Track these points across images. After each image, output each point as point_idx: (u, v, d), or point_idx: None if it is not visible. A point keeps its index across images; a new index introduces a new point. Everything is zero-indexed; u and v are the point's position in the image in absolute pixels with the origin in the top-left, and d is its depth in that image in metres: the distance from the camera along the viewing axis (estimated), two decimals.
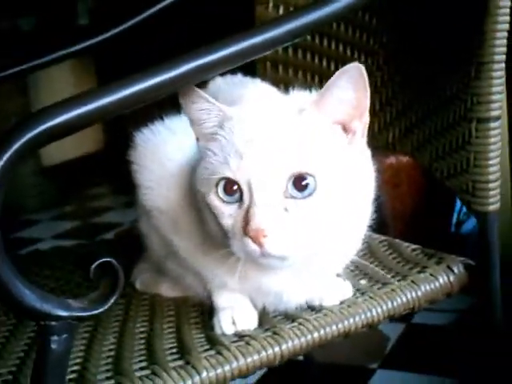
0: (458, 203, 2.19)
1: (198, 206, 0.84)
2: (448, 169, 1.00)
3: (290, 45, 1.27)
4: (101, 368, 0.81)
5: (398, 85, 1.12)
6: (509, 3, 0.89)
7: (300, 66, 1.29)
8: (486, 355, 1.05)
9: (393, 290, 0.93)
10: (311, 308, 0.89)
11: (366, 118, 0.81)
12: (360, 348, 1.88)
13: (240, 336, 0.84)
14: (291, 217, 0.76)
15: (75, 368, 0.81)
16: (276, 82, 1.05)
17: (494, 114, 0.92)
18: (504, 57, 0.91)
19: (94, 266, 0.63)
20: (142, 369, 0.79)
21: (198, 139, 0.84)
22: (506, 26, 0.89)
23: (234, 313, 0.88)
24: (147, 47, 3.00)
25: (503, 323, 0.99)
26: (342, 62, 1.21)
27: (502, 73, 0.92)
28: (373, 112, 1.15)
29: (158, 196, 0.92)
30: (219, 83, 1.00)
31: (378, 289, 0.93)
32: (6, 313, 1.01)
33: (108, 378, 0.78)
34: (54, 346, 0.62)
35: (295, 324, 0.85)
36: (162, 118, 0.97)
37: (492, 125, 0.93)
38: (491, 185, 0.94)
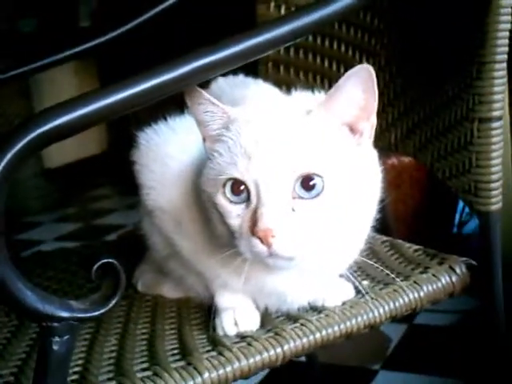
0: (461, 204, 2.19)
1: (202, 207, 0.84)
2: (450, 169, 1.00)
3: (291, 45, 1.27)
4: (102, 369, 0.81)
5: (399, 86, 1.12)
6: (511, 2, 0.89)
7: (302, 67, 1.29)
8: (488, 356, 1.05)
9: (395, 290, 0.92)
10: (313, 309, 0.89)
11: (374, 119, 0.82)
12: (362, 349, 1.88)
13: (242, 337, 0.84)
14: (299, 217, 0.76)
15: (77, 369, 0.81)
16: (278, 83, 1.05)
17: (496, 113, 0.92)
18: (506, 56, 0.90)
19: (95, 267, 0.63)
20: (143, 370, 0.79)
21: (204, 140, 0.84)
22: (508, 26, 0.89)
23: (236, 314, 0.88)
24: (149, 49, 3.01)
25: (505, 324, 0.99)
26: (343, 62, 1.21)
27: (504, 72, 0.91)
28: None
29: (161, 196, 0.92)
30: (221, 84, 1.00)
31: (380, 289, 0.93)
32: (8, 314, 1.01)
33: (110, 379, 0.78)
34: (55, 347, 0.62)
35: (297, 325, 0.85)
36: (165, 119, 0.97)
37: (494, 125, 0.93)
38: (493, 185, 0.94)
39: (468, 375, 1.66)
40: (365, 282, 0.96)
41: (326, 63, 1.25)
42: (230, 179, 0.78)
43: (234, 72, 0.97)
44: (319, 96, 0.86)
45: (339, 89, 0.78)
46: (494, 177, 0.94)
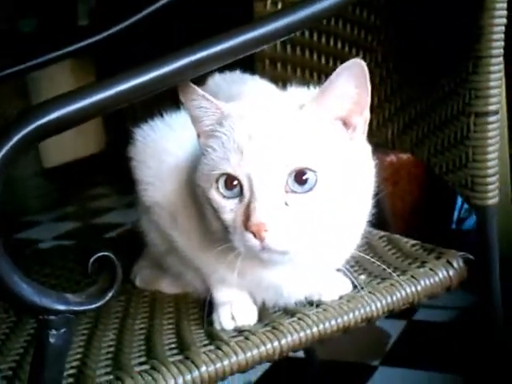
0: (459, 200, 2.19)
1: (197, 202, 0.84)
2: (447, 164, 1.00)
3: (288, 42, 1.28)
4: (100, 363, 0.82)
5: (396, 81, 1.12)
6: None
7: (298, 63, 1.29)
8: (486, 351, 1.05)
9: (392, 284, 0.93)
10: (310, 303, 0.89)
11: (367, 114, 0.82)
12: (361, 345, 1.89)
13: (239, 331, 0.85)
14: (292, 211, 0.76)
15: (74, 364, 0.82)
16: (275, 79, 1.05)
17: (492, 108, 0.93)
18: (502, 51, 0.91)
19: (92, 260, 0.63)
20: (141, 364, 0.79)
21: (198, 136, 0.85)
22: (504, 21, 0.90)
23: (234, 308, 0.88)
24: (146, 48, 3.00)
25: (503, 319, 0.99)
26: (340, 59, 1.21)
27: (500, 67, 0.92)
28: (371, 109, 1.16)
29: (158, 191, 0.92)
30: (218, 80, 1.00)
31: (378, 283, 0.93)
32: (7, 310, 1.01)
33: (107, 373, 0.78)
34: (52, 340, 0.62)
35: (294, 319, 0.85)
36: (161, 115, 0.98)
37: (490, 119, 0.93)
38: (490, 179, 0.94)
39: (467, 371, 1.66)
40: (362, 277, 0.96)
41: (323, 60, 1.25)
42: (223, 174, 0.79)
43: (231, 68, 0.97)
44: (314, 91, 0.86)
45: (331, 84, 0.78)
46: (490, 171, 0.94)
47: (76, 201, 3.77)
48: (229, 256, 0.80)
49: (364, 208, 0.89)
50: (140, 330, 0.92)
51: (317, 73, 1.26)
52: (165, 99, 0.82)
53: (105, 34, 1.32)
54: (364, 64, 0.77)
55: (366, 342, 1.90)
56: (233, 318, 0.87)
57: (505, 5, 0.89)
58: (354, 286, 0.92)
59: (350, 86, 0.78)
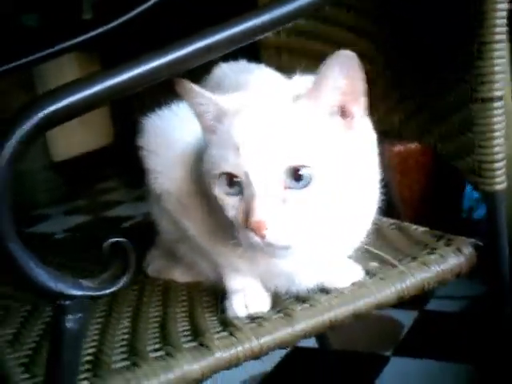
0: (469, 189, 2.18)
1: (206, 194, 0.85)
2: (454, 150, 1.00)
3: (294, 30, 1.28)
4: (116, 350, 0.83)
5: (401, 68, 1.12)
6: None
7: (304, 51, 1.29)
8: (498, 340, 1.05)
9: (403, 271, 0.93)
10: (322, 290, 0.90)
11: (363, 101, 0.82)
12: (374, 335, 1.89)
13: (252, 318, 0.85)
14: (290, 207, 0.77)
15: (90, 351, 0.83)
16: (280, 68, 1.06)
17: (497, 93, 0.92)
18: (505, 36, 0.91)
19: (105, 245, 0.64)
20: (156, 350, 0.80)
21: (203, 129, 0.86)
22: (506, 5, 0.89)
23: (246, 296, 0.89)
24: (152, 43, 3.01)
25: None
26: (345, 46, 1.20)
27: (504, 52, 0.91)
28: (377, 96, 1.16)
29: (168, 180, 0.93)
30: (224, 69, 1.01)
31: (388, 270, 0.93)
32: (21, 299, 1.03)
33: (123, 360, 0.79)
34: (68, 325, 0.63)
35: (307, 305, 0.86)
36: (168, 104, 0.98)
37: (495, 104, 0.93)
38: (497, 164, 0.94)
39: (479, 360, 1.66)
40: (373, 263, 0.97)
41: (328, 48, 1.25)
42: (223, 173, 0.80)
43: (237, 57, 0.98)
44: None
45: (322, 76, 0.78)
46: (497, 156, 0.94)
47: (85, 194, 3.78)
48: (240, 246, 0.81)
49: (371, 195, 0.89)
50: (154, 317, 0.92)
51: (322, 60, 1.26)
52: (171, 89, 0.83)
53: (110, 26, 1.32)
54: (352, 53, 0.77)
55: (378, 332, 1.90)
56: (246, 306, 0.88)
57: None
58: (366, 273, 0.93)
59: (340, 76, 0.78)
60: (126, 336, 0.87)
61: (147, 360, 0.77)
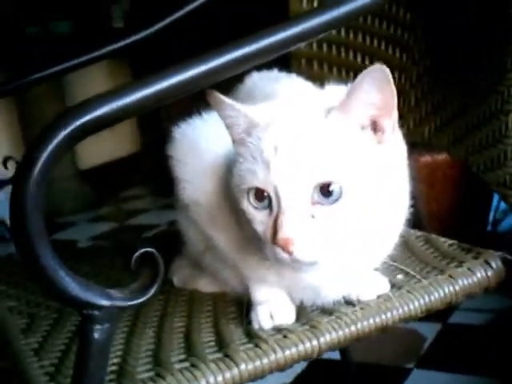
0: (495, 201, 2.17)
1: (235, 206, 0.85)
2: (484, 162, 0.99)
3: (324, 40, 1.28)
4: (140, 360, 0.82)
5: (433, 79, 1.12)
6: None
7: (335, 62, 1.29)
8: None
9: (430, 284, 0.92)
10: (348, 302, 0.89)
11: (395, 115, 0.81)
12: (397, 348, 1.88)
13: (278, 330, 0.84)
14: (319, 223, 0.77)
15: (115, 361, 0.83)
16: (311, 78, 1.06)
17: None
18: None
19: (135, 256, 0.64)
20: (181, 361, 0.80)
21: (233, 141, 0.85)
22: None
23: (272, 307, 0.88)
24: (182, 50, 3.03)
25: None
26: (376, 57, 1.21)
27: None
28: (408, 107, 1.16)
29: (196, 190, 0.93)
30: (255, 78, 1.01)
31: (415, 283, 0.92)
32: (47, 307, 1.03)
33: (148, 370, 0.79)
34: (96, 335, 0.63)
35: (333, 317, 0.85)
36: (199, 113, 0.98)
37: None
38: None
39: (503, 374, 1.64)
40: (399, 276, 0.96)
41: (359, 58, 1.25)
42: (252, 187, 0.79)
43: (267, 67, 0.98)
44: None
45: (354, 91, 0.78)
46: None
47: (111, 202, 3.80)
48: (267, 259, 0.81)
49: (400, 208, 0.89)
50: (179, 328, 0.92)
51: (353, 71, 1.26)
52: (199, 98, 0.83)
53: (141, 34, 1.34)
54: (385, 68, 0.76)
55: (401, 344, 1.89)
56: (271, 317, 0.87)
57: None
58: (392, 286, 0.92)
59: (373, 91, 0.77)
60: (150, 346, 0.87)
61: (171, 371, 0.77)
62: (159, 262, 0.65)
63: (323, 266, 0.80)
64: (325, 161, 0.77)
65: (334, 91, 0.88)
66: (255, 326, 0.87)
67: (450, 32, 1.07)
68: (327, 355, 0.86)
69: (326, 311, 0.88)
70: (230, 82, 0.84)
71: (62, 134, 0.61)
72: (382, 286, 0.92)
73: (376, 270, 0.92)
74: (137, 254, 0.63)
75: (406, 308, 0.88)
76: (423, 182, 2.04)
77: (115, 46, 1.34)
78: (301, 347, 0.81)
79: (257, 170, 0.78)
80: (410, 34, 1.16)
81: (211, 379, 0.76)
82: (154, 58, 3.30)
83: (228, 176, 0.86)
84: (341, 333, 0.84)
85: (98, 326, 0.63)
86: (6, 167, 1.26)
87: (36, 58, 3.27)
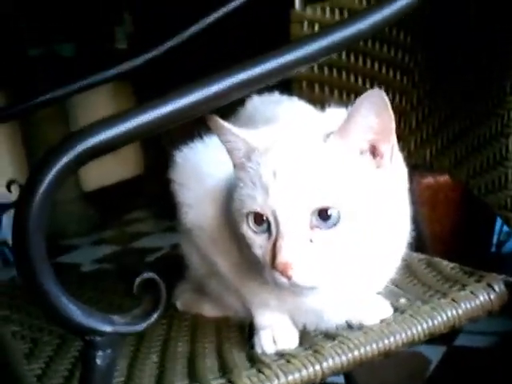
0: (499, 223, 2.16)
1: (236, 230, 0.85)
2: (486, 185, 1.00)
3: (325, 63, 1.29)
4: None
5: (434, 102, 1.12)
6: None
7: (336, 85, 1.30)
8: None
9: (433, 308, 0.91)
10: (351, 326, 0.89)
11: (393, 140, 0.81)
12: (402, 371, 1.86)
13: (281, 354, 0.84)
14: (317, 247, 0.77)
15: None
16: (312, 101, 1.06)
17: None
18: None
19: (137, 282, 0.64)
20: None
21: (234, 166, 0.86)
22: None
23: (275, 332, 0.88)
24: (185, 72, 3.04)
25: None
26: (377, 80, 1.22)
27: None
28: (409, 129, 1.16)
29: (198, 214, 0.94)
30: (256, 102, 1.02)
31: (418, 307, 0.92)
32: (50, 332, 1.03)
33: None
34: (99, 361, 0.63)
35: (336, 342, 0.85)
36: (200, 137, 0.99)
37: None
38: None
39: None
40: (402, 300, 0.95)
41: (360, 81, 1.26)
42: (251, 212, 0.80)
43: (270, 90, 0.98)
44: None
45: (352, 116, 0.78)
46: None
47: (114, 224, 3.79)
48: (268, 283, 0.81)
49: (401, 232, 0.89)
50: (182, 353, 0.92)
51: (354, 94, 1.27)
52: (201, 121, 0.84)
53: (145, 57, 1.35)
54: (382, 92, 0.76)
55: (406, 367, 1.88)
56: (274, 342, 0.87)
57: None
58: (395, 310, 0.92)
59: (371, 116, 0.78)
60: (154, 371, 0.87)
61: None
62: (161, 288, 0.65)
63: (323, 290, 0.80)
64: (323, 185, 0.77)
65: (335, 114, 0.88)
66: (258, 350, 0.87)
67: (451, 56, 1.08)
68: (331, 379, 0.86)
69: (329, 336, 0.87)
70: (230, 105, 0.84)
71: (65, 158, 0.62)
72: (385, 310, 0.92)
73: (379, 293, 0.92)
74: (139, 279, 0.63)
75: (409, 332, 0.88)
76: (425, 204, 2.03)
77: (119, 68, 1.35)
78: (304, 372, 0.81)
79: (256, 195, 0.79)
80: (410, 57, 1.17)
81: None
82: (157, 80, 3.32)
83: (229, 200, 0.86)
84: (344, 358, 0.83)
85: (100, 352, 0.63)
86: (9, 191, 1.27)
87: (40, 80, 3.28)
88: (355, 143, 0.80)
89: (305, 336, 0.89)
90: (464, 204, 2.13)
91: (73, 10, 3.39)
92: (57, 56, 3.41)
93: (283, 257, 0.76)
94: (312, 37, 0.76)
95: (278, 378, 0.79)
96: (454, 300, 0.93)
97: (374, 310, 0.91)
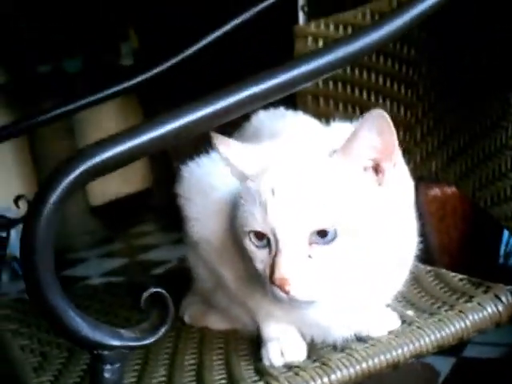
0: (506, 235, 2.16)
1: (240, 244, 0.86)
2: (492, 197, 1.00)
3: (330, 77, 1.29)
4: None
5: (438, 114, 1.13)
6: None
7: (340, 99, 1.30)
8: None
9: (440, 319, 0.91)
10: (359, 339, 0.89)
11: (396, 158, 0.82)
12: (411, 383, 1.85)
13: (289, 367, 0.84)
14: (315, 263, 0.78)
15: None
16: (317, 115, 1.07)
17: None
18: None
19: (145, 296, 0.64)
20: None
21: (240, 181, 0.87)
22: None
23: (282, 344, 0.88)
24: (191, 86, 3.06)
25: None
26: (382, 93, 1.22)
27: None
28: (414, 142, 1.17)
29: (205, 227, 0.94)
30: (261, 117, 1.03)
31: (426, 319, 0.92)
32: (58, 346, 1.03)
33: None
34: (107, 375, 0.63)
35: (343, 354, 0.85)
36: (207, 151, 1.00)
37: None
38: None
39: None
40: (410, 312, 0.96)
41: (365, 95, 1.27)
42: (252, 230, 0.81)
43: (275, 105, 0.99)
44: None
45: (355, 136, 0.79)
46: None
47: (122, 238, 3.81)
48: None
49: (408, 245, 0.89)
50: (190, 365, 0.92)
51: (359, 108, 1.28)
52: (208, 136, 0.85)
53: (151, 73, 1.36)
54: (384, 112, 0.77)
55: (413, 379, 1.87)
56: (282, 354, 0.87)
57: None
58: (403, 321, 0.92)
59: (373, 135, 0.79)
60: None
61: None
62: (168, 302, 0.65)
63: (324, 304, 0.80)
64: (322, 207, 0.77)
65: (340, 128, 0.89)
66: (266, 362, 0.87)
67: (456, 68, 1.09)
68: None
69: (337, 348, 0.88)
70: (235, 120, 0.85)
71: (73, 174, 0.62)
72: (393, 322, 0.92)
73: (387, 305, 0.92)
74: (146, 294, 0.64)
75: (417, 344, 0.88)
76: (432, 216, 2.03)
77: (125, 84, 1.36)
78: None
79: (256, 213, 0.80)
80: (414, 70, 1.17)
81: None
82: (163, 94, 3.34)
83: (233, 215, 0.87)
84: (352, 370, 0.83)
85: (108, 366, 0.63)
86: (17, 206, 1.28)
87: (46, 95, 3.31)
88: (358, 161, 0.80)
89: (313, 348, 0.89)
90: (471, 215, 2.13)
91: (78, 26, 3.42)
92: (63, 72, 3.43)
93: (281, 272, 0.76)
94: (319, 52, 0.76)
95: None
96: (461, 312, 0.93)
97: (382, 321, 0.91)
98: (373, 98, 1.25)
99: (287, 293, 0.77)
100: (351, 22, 1.30)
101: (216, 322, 1.04)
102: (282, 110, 1.04)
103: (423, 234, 0.91)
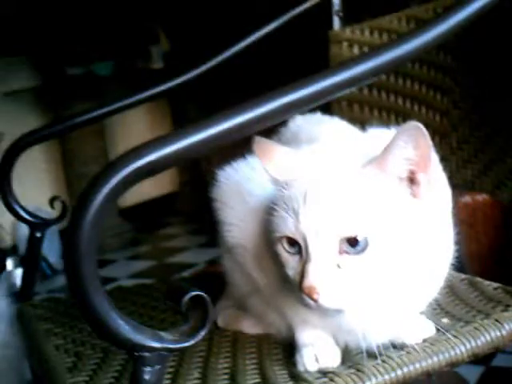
0: None
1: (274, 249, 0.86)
2: None
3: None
4: None
5: (475, 122, 1.12)
6: None
7: (375, 105, 1.30)
8: None
9: (476, 328, 0.91)
10: (394, 346, 0.88)
11: (432, 171, 0.81)
12: None
13: (323, 373, 0.84)
14: (344, 272, 0.78)
15: None
16: (352, 121, 1.07)
17: None
18: None
19: (185, 299, 0.65)
20: None
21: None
22: None
23: (317, 350, 0.88)
24: (220, 89, 3.07)
25: None
26: (417, 100, 1.22)
27: None
28: (450, 150, 1.16)
29: (241, 232, 0.95)
30: (299, 121, 1.02)
31: (461, 327, 0.91)
32: (93, 346, 1.04)
33: None
34: (147, 377, 0.64)
35: (378, 361, 0.84)
36: (244, 156, 1.00)
37: None
38: None
39: None
40: (445, 320, 0.95)
41: (400, 101, 1.26)
42: (284, 236, 0.81)
43: (311, 110, 0.99)
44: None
45: (390, 148, 0.79)
46: None
47: (149, 240, 3.83)
48: None
49: (443, 254, 0.88)
50: (224, 369, 0.92)
51: (394, 114, 1.27)
52: (244, 142, 0.85)
53: (182, 78, 1.36)
54: (421, 125, 0.77)
55: None
56: (316, 360, 0.87)
57: None
58: (438, 329, 0.91)
59: (409, 148, 0.78)
60: None
61: None
62: (209, 305, 0.66)
63: (357, 311, 0.80)
64: (353, 216, 0.77)
65: (377, 135, 0.89)
66: (300, 368, 0.87)
67: (491, 76, 1.08)
68: None
69: (372, 355, 0.87)
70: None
71: (116, 179, 0.63)
72: (428, 329, 0.91)
73: (421, 313, 0.92)
74: (187, 297, 0.64)
75: (452, 352, 0.87)
76: (463, 223, 2.02)
77: (158, 89, 1.37)
78: None
79: (288, 219, 0.80)
80: (450, 77, 1.17)
81: None
82: (193, 95, 3.35)
83: (268, 220, 0.87)
84: (387, 377, 0.83)
85: (149, 368, 0.63)
86: (52, 207, 1.29)
87: (77, 98, 3.34)
88: (392, 173, 0.80)
89: (347, 354, 0.89)
90: (502, 222, 2.11)
91: (109, 29, 3.44)
92: (93, 75, 3.46)
93: (309, 280, 0.77)
94: (359, 58, 0.76)
95: None
96: (497, 321, 0.92)
97: (417, 329, 0.90)
98: (408, 105, 1.24)
99: (315, 301, 0.77)
100: (386, 27, 1.30)
101: (249, 327, 1.04)
102: (318, 115, 1.04)
103: (456, 242, 0.91)
